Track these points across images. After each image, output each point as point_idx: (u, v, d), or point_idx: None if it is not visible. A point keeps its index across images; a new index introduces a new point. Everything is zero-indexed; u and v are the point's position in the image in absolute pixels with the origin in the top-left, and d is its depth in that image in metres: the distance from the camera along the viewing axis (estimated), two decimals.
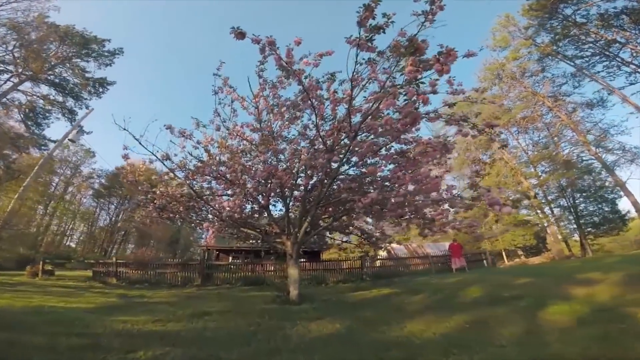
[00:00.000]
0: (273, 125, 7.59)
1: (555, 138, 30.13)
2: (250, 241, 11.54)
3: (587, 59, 22.80)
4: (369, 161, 6.88)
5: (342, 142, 6.78)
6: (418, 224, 5.73)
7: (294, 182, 6.70)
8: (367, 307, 5.47)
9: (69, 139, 16.54)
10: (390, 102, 4.34)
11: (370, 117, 5.47)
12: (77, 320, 4.42)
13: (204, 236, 6.80)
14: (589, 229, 28.81)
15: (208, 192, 7.46)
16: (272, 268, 13.08)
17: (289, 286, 6.80)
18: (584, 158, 28.55)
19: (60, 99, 23.79)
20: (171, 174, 7.46)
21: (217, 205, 5.42)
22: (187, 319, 4.70)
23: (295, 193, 8.82)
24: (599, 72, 22.57)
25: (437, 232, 5.92)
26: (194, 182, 7.49)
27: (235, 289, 10.51)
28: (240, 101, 8.00)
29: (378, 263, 14.29)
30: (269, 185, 5.99)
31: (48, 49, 23.08)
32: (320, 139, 6.28)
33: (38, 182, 35.88)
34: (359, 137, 6.30)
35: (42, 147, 21.98)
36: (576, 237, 29.88)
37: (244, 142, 7.64)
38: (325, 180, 6.91)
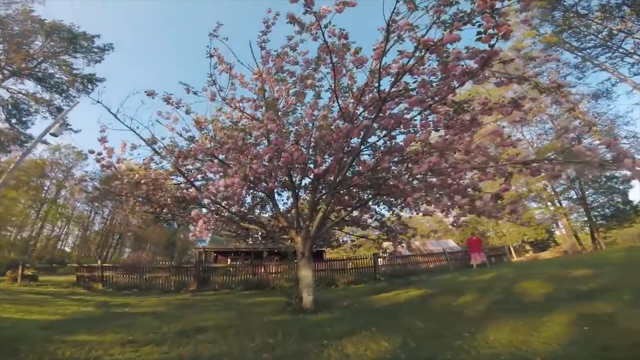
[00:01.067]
0: (278, 101, 6.39)
1: (560, 129, 29.16)
2: (251, 240, 10.30)
3: (589, 51, 22.08)
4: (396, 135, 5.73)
5: (360, 116, 5.67)
6: (468, 204, 4.51)
7: (308, 161, 5.45)
8: (407, 314, 4.24)
9: (50, 133, 15.21)
10: (454, 36, 3.18)
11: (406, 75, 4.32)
12: (16, 341, 3.19)
13: (191, 228, 5.44)
14: (600, 222, 27.92)
15: (201, 178, 6.23)
16: (276, 270, 11.82)
17: (301, 291, 5.56)
18: None
19: (47, 96, 22.70)
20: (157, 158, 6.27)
21: (211, 189, 4.13)
22: (173, 338, 3.45)
23: (306, 181, 7.62)
24: (602, 63, 21.91)
25: (492, 217, 4.69)
26: (185, 169, 6.30)
27: (236, 294, 9.24)
28: (239, 78, 6.84)
29: (381, 262, 13.02)
30: (277, 161, 4.72)
31: (32, 43, 21.89)
32: (337, 104, 5.07)
33: (30, 186, 34.65)
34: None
35: (24, 145, 20.67)
36: (587, 230, 28.92)
37: (244, 120, 6.43)
38: (345, 159, 5.71)
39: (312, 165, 5.76)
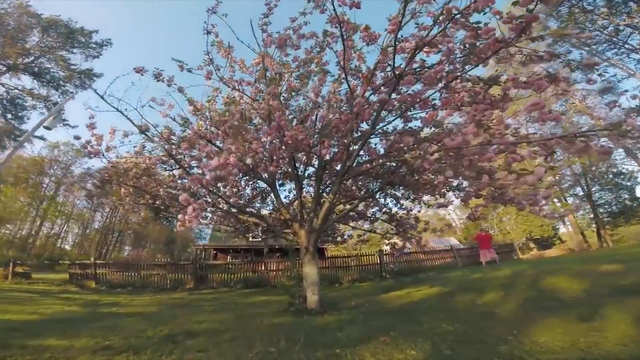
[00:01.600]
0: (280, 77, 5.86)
1: (567, 124, 28.58)
2: (251, 235, 9.76)
3: (595, 47, 21.58)
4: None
5: (370, 97, 5.16)
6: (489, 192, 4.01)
7: (313, 144, 4.89)
8: (428, 315, 3.70)
9: (44, 126, 14.75)
10: None
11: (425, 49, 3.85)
12: None
13: (179, 217, 4.77)
14: (607, 219, 27.41)
15: (195, 164, 5.68)
16: (277, 267, 11.29)
17: (304, 289, 5.03)
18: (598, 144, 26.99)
19: (44, 92, 22.51)
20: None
21: (206, 176, 3.52)
22: (157, 345, 2.93)
23: (309, 171, 7.09)
24: (609, 58, 21.41)
25: (519, 206, 4.16)
26: (181, 156, 5.80)
27: (235, 293, 8.72)
28: (239, 63, 6.33)
29: (387, 259, 12.45)
30: (279, 146, 4.17)
31: (28, 37, 21.62)
32: (345, 82, 4.51)
33: (28, 184, 34.26)
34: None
35: (18, 139, 20.32)
36: (593, 227, 28.37)
37: (244, 105, 5.89)
38: (353, 147, 5.17)
39: (317, 149, 5.21)
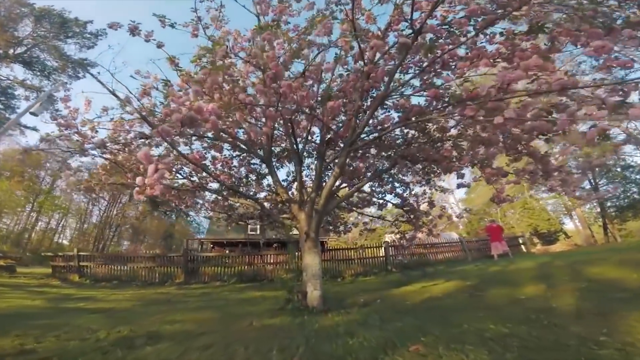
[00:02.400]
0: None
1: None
2: (247, 224, 8.99)
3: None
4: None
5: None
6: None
7: (317, 104, 4.05)
8: (462, 313, 2.89)
9: (30, 112, 14.02)
10: None
11: None
12: None
13: (137, 180, 3.88)
14: (615, 213, 26.65)
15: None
16: (275, 260, 10.52)
17: (304, 284, 4.23)
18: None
19: (37, 82, 21.97)
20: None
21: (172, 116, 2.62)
22: (100, 351, 2.13)
23: (310, 147, 6.30)
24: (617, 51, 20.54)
25: (553, 184, 3.39)
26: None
27: (227, 288, 7.94)
28: (234, 34, 5.53)
29: (381, 252, 11.67)
30: (275, 101, 3.31)
31: (19, 26, 21.02)
32: (354, 37, 3.66)
33: (24, 177, 33.47)
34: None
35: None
36: (600, 222, 27.62)
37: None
38: (361, 115, 4.37)
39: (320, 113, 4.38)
